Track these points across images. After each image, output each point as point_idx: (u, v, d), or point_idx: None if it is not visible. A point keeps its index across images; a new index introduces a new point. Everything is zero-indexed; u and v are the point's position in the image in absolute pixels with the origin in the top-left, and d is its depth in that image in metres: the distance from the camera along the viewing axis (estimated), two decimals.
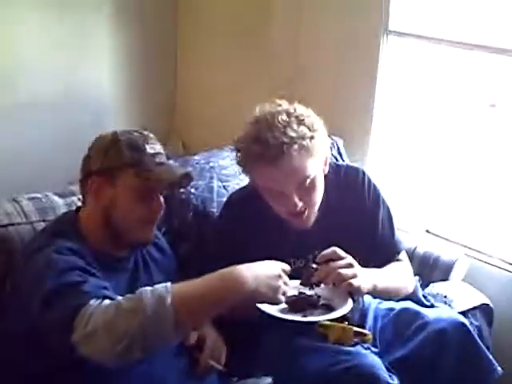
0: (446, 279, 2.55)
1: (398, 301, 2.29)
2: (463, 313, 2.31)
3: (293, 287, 1.93)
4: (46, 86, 3.52)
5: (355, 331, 2.03)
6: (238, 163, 2.11)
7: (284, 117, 2.02)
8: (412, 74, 2.96)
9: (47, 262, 1.70)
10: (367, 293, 2.05)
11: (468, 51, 2.74)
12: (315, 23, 3.21)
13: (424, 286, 2.47)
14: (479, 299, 2.45)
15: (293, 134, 1.99)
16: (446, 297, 2.44)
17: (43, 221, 2.09)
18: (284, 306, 1.92)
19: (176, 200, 2.37)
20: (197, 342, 1.93)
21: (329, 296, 2.01)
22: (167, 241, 2.18)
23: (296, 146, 1.99)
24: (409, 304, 2.24)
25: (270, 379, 1.91)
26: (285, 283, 1.74)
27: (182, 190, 2.35)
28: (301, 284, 2.02)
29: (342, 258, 1.97)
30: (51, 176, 3.01)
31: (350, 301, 1.98)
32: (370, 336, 2.06)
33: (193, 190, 2.41)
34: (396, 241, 2.29)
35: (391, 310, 2.25)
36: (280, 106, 2.08)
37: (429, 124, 2.96)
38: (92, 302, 1.56)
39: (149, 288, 1.59)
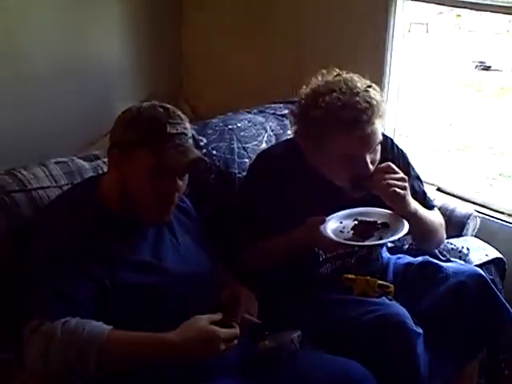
0: (459, 235, 2.61)
1: (416, 256, 2.36)
2: (478, 267, 2.36)
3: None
4: (50, 57, 3.53)
5: (379, 283, 2.11)
6: (309, 134, 2.11)
7: (358, 83, 2.07)
8: (423, 36, 2.98)
9: (47, 247, 1.79)
10: (409, 214, 2.10)
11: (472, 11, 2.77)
12: None
13: None
14: (492, 253, 2.51)
15: (376, 98, 2.06)
16: (460, 252, 2.49)
17: (71, 184, 2.11)
18: (351, 235, 2.03)
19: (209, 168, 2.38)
20: (230, 298, 1.98)
21: (380, 218, 2.08)
22: (191, 203, 2.20)
23: (380, 109, 2.06)
24: (428, 258, 2.30)
25: (299, 332, 1.96)
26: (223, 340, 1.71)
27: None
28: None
29: (396, 173, 2.06)
30: (61, 146, 3.06)
31: (403, 219, 2.06)
32: (393, 288, 2.13)
33: (214, 152, 2.43)
34: (428, 200, 2.34)
35: (410, 264, 2.31)
36: (339, 74, 2.14)
37: (439, 84, 3.01)
38: (48, 323, 1.66)
39: (87, 327, 1.67)
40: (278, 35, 3.47)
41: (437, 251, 2.41)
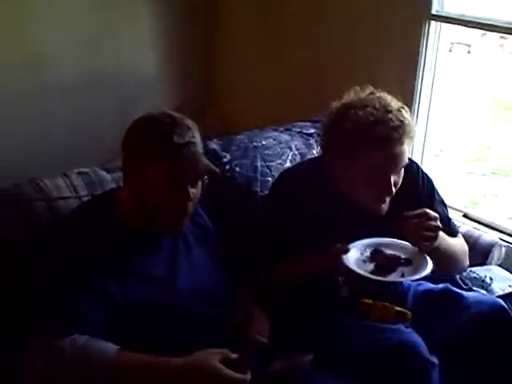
0: (483, 263, 2.56)
1: (437, 283, 2.32)
2: (500, 298, 2.31)
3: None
4: (79, 65, 3.57)
5: (396, 310, 2.07)
6: (337, 147, 2.10)
7: (392, 102, 2.07)
8: (454, 59, 2.96)
9: (65, 255, 1.81)
10: (433, 249, 2.09)
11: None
12: (351, 6, 3.24)
13: None
14: None
15: (409, 118, 2.05)
16: (483, 281, 2.45)
17: (91, 195, 2.13)
18: (372, 268, 2.03)
19: (220, 178, 2.38)
20: (243, 318, 1.97)
21: (402, 252, 2.08)
22: (210, 218, 2.19)
23: (411, 130, 2.05)
24: (448, 286, 2.25)
25: (311, 355, 1.94)
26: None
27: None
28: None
29: (431, 219, 2.04)
30: (88, 157, 3.08)
31: (427, 258, 2.05)
32: (411, 315, 2.09)
33: (237, 169, 2.43)
34: (452, 226, 2.32)
35: (430, 291, 2.26)
36: (373, 92, 2.13)
37: (477, 106, 2.97)
38: (56, 340, 1.64)
39: (96, 346, 1.66)
40: (310, 52, 3.47)
41: (459, 279, 2.38)
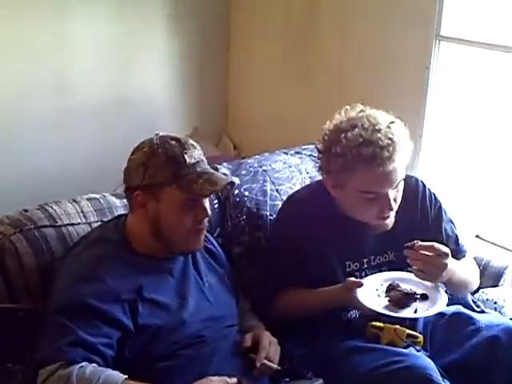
0: (495, 285, 2.53)
1: (448, 305, 2.30)
2: None
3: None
4: (100, 90, 3.64)
5: (407, 333, 2.05)
6: (332, 169, 2.09)
7: (381, 120, 2.05)
8: (464, 80, 2.95)
9: (74, 275, 1.81)
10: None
11: None
12: (362, 29, 3.27)
13: (474, 291, 2.45)
14: None
15: (399, 135, 2.03)
16: (496, 303, 2.42)
17: (101, 221, 2.13)
18: (387, 303, 2.02)
19: (230, 202, 2.38)
20: (252, 343, 1.95)
21: (419, 287, 2.08)
22: (220, 243, 2.20)
23: (401, 147, 2.03)
24: (460, 309, 2.24)
25: (320, 380, 1.93)
26: None
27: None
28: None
29: (440, 255, 2.02)
30: (103, 180, 3.10)
31: (441, 289, 2.07)
32: (422, 339, 2.08)
33: (246, 193, 2.41)
34: (460, 247, 2.30)
35: (442, 314, 2.23)
36: (363, 110, 2.11)
37: (480, 129, 2.95)
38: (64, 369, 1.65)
39: (102, 377, 1.65)
40: (321, 77, 3.50)
41: (471, 301, 2.35)
